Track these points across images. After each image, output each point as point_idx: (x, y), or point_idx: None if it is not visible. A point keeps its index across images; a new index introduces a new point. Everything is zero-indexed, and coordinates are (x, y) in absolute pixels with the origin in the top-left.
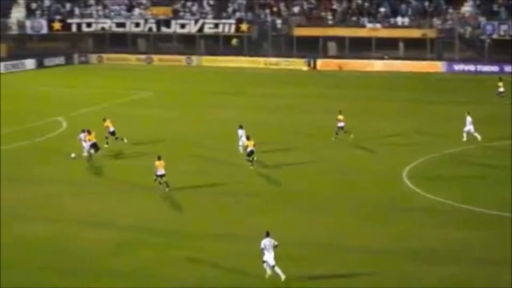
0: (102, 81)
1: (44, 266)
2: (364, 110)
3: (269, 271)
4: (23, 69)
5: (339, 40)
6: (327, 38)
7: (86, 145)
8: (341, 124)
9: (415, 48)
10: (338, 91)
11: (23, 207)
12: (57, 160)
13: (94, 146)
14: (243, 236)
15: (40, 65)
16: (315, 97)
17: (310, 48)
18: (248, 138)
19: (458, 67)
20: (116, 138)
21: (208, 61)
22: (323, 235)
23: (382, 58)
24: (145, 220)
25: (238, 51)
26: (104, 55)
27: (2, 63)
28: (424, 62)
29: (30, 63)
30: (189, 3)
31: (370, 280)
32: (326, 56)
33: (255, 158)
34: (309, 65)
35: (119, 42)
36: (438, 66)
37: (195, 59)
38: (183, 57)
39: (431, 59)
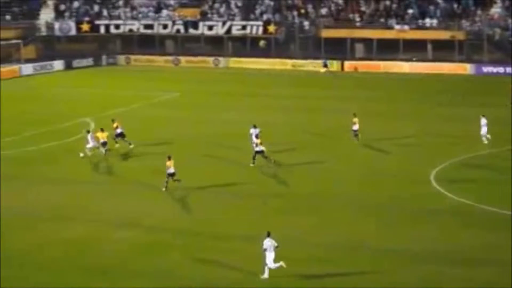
0: (130, 82)
1: (74, 266)
2: (387, 111)
3: (266, 274)
4: (52, 70)
5: (367, 42)
6: (355, 40)
7: (89, 146)
8: (355, 127)
9: (443, 50)
10: (364, 92)
11: (53, 207)
12: (84, 161)
13: (104, 144)
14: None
15: (68, 66)
16: (340, 99)
17: (338, 49)
18: (257, 137)
19: (486, 69)
20: (125, 141)
21: (236, 62)
22: (347, 236)
23: (410, 60)
24: (171, 221)
25: (265, 53)
26: (132, 57)
27: (31, 65)
28: (452, 64)
29: (58, 64)
30: (216, 5)
31: (395, 281)
32: (353, 57)
33: (271, 157)
34: (325, 66)
35: (147, 43)
36: (466, 68)
37: (222, 60)
38: (210, 59)
39: (459, 61)
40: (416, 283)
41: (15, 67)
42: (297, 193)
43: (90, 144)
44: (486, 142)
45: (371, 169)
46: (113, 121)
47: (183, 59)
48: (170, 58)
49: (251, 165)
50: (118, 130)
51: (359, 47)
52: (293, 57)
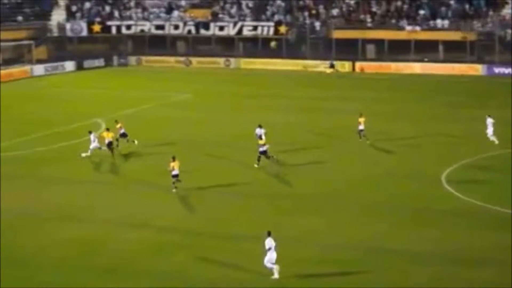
0: (141, 83)
1: (81, 266)
2: (397, 112)
3: (276, 274)
4: (63, 71)
5: (378, 43)
6: (366, 41)
7: (91, 146)
8: (361, 127)
9: (455, 51)
10: (374, 93)
11: (60, 208)
12: (95, 161)
13: (110, 144)
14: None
15: (79, 67)
16: (350, 100)
17: (349, 50)
18: (260, 137)
19: (498, 70)
20: (128, 141)
21: (247, 63)
22: (355, 236)
23: (421, 61)
24: (178, 221)
25: (276, 54)
26: (143, 57)
27: (43, 65)
28: (464, 65)
29: (70, 65)
30: (228, 6)
31: (404, 282)
32: (365, 58)
33: (274, 156)
34: (331, 67)
35: (158, 44)
36: (478, 69)
37: (233, 61)
38: (221, 59)
39: (471, 62)
40: (424, 283)
41: (26, 67)
42: (303, 193)
43: (93, 145)
44: (496, 142)
45: (380, 169)
46: (116, 122)
47: (194, 59)
48: (181, 58)
49: (255, 165)
50: (121, 131)
51: (370, 48)
52: (304, 58)
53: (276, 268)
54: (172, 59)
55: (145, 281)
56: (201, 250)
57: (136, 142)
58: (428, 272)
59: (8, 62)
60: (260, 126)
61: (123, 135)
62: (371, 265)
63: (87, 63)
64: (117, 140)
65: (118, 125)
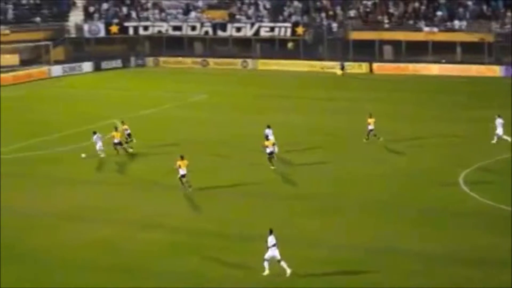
0: (158, 84)
1: (100, 266)
2: (413, 113)
3: (267, 271)
4: (81, 72)
5: (396, 44)
6: (383, 42)
7: (99, 145)
8: (370, 127)
9: (473, 52)
10: (390, 94)
11: (76, 208)
12: (111, 162)
13: (118, 144)
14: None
15: (97, 68)
16: (366, 101)
17: (366, 52)
18: (267, 138)
19: None
20: (131, 141)
21: (264, 64)
22: (368, 237)
23: (439, 62)
24: (191, 221)
25: (293, 55)
26: (161, 58)
27: (60, 66)
28: (482, 66)
29: (87, 66)
30: (245, 7)
31: (417, 283)
32: (382, 60)
33: (275, 158)
34: (342, 68)
35: (175, 45)
36: (496, 70)
37: (250, 62)
38: (238, 61)
39: (489, 63)
40: (437, 284)
41: (44, 68)
42: (315, 193)
43: (98, 145)
44: (494, 141)
45: (395, 170)
46: (122, 123)
47: (211, 60)
48: (198, 59)
49: (271, 167)
50: (127, 131)
51: (388, 49)
52: (321, 59)
53: (284, 265)
54: (189, 60)
55: (159, 281)
56: (213, 251)
57: (134, 140)
58: (441, 273)
59: (26, 63)
60: (268, 127)
61: (129, 136)
62: (380, 266)
63: (104, 64)
64: (126, 141)
65: (124, 126)
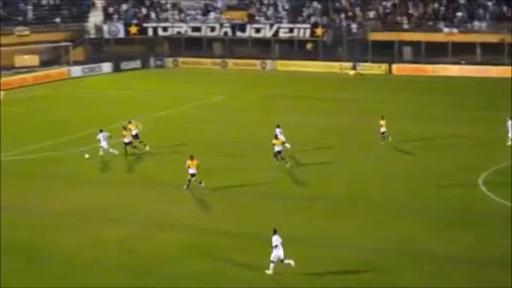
0: (177, 84)
1: (117, 266)
2: (432, 115)
3: (271, 270)
4: (100, 72)
5: (415, 45)
6: (403, 43)
7: (103, 144)
8: (382, 129)
9: (492, 53)
10: (407, 95)
11: (95, 208)
12: (129, 162)
13: (128, 144)
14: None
15: (116, 68)
16: (383, 102)
17: (385, 53)
18: (276, 137)
19: None
20: (140, 142)
21: (283, 65)
22: (388, 238)
23: (459, 63)
24: (211, 222)
25: (312, 56)
26: (180, 59)
27: (80, 67)
28: (501, 67)
29: (107, 66)
30: (264, 8)
31: (446, 284)
32: (401, 61)
33: (283, 158)
34: (354, 69)
35: (194, 46)
36: None
37: (269, 63)
38: (257, 61)
39: (509, 64)
40: (459, 284)
41: (64, 69)
42: (331, 193)
43: (103, 144)
44: (510, 143)
45: (413, 171)
46: (129, 122)
47: (230, 61)
48: (217, 60)
49: (287, 165)
50: (133, 132)
51: (407, 50)
52: (340, 60)
53: (291, 263)
54: (208, 60)
55: (178, 282)
56: (225, 251)
57: (147, 148)
58: (462, 273)
59: (46, 64)
60: (278, 126)
61: (135, 137)
62: (400, 266)
63: (124, 65)
64: (139, 141)
65: (130, 126)
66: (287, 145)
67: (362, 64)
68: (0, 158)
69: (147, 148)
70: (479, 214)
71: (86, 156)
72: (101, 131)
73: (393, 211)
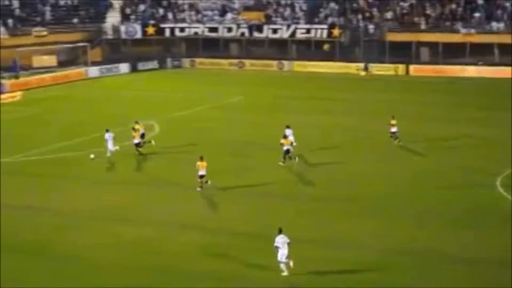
0: (195, 85)
1: (140, 267)
2: (449, 116)
3: (286, 271)
4: (117, 73)
5: (432, 46)
6: (420, 44)
7: (110, 145)
8: (394, 129)
9: (510, 54)
10: (422, 96)
11: (113, 208)
12: (146, 162)
13: (137, 144)
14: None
15: (134, 69)
16: (406, 103)
17: (403, 53)
18: (284, 137)
19: None
20: (145, 142)
21: (300, 66)
22: (407, 239)
23: (476, 64)
24: (227, 222)
25: (329, 56)
26: (197, 60)
27: (97, 67)
28: None
29: (124, 67)
30: (281, 8)
31: (468, 285)
32: (418, 61)
33: (290, 157)
34: (366, 69)
35: (211, 46)
36: None
37: (286, 64)
38: (274, 62)
39: None
40: (479, 284)
41: (81, 69)
42: (343, 194)
43: (109, 144)
44: None
45: (427, 173)
46: (137, 122)
47: (247, 62)
48: (234, 61)
49: (296, 161)
50: (141, 132)
51: (424, 51)
52: (357, 60)
53: (289, 263)
54: (225, 61)
55: (199, 282)
56: (253, 254)
57: (153, 142)
58: (482, 274)
59: (64, 64)
60: (288, 127)
61: (142, 136)
62: (416, 268)
63: (141, 65)
64: (149, 141)
65: (137, 126)
66: (295, 145)
67: (379, 65)
68: (15, 159)
69: (153, 142)
70: (496, 215)
71: (91, 156)
72: (107, 131)
73: (407, 211)
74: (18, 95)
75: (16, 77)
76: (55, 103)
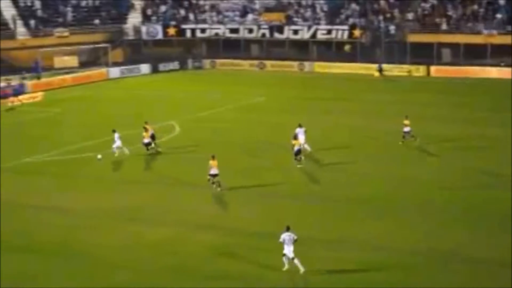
0: (215, 86)
1: (158, 267)
2: (462, 116)
3: (287, 265)
4: (138, 73)
5: (454, 47)
6: (441, 45)
7: (115, 145)
8: (407, 129)
9: None
10: (446, 97)
11: (132, 209)
12: (165, 163)
13: (147, 144)
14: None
15: (155, 70)
16: (419, 104)
17: (424, 54)
18: (295, 137)
19: None
20: (155, 143)
21: (321, 67)
22: (418, 239)
23: (498, 65)
24: (241, 222)
25: (350, 57)
26: (218, 61)
27: (118, 68)
28: None
29: (145, 68)
30: (302, 9)
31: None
32: (440, 62)
33: (302, 158)
34: (380, 70)
35: (232, 47)
36: None
37: (307, 65)
38: (295, 63)
39: None
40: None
41: (103, 70)
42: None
43: (116, 144)
44: None
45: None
46: (146, 122)
47: (268, 63)
48: (255, 62)
49: (302, 160)
50: (150, 132)
51: (446, 52)
52: (378, 61)
53: (295, 261)
54: (246, 62)
55: (211, 282)
56: (269, 254)
57: (160, 149)
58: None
59: (86, 65)
60: (300, 126)
61: (152, 137)
62: (429, 268)
63: (162, 66)
64: (154, 142)
65: (147, 126)
66: (307, 146)
67: (400, 65)
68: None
69: (160, 149)
70: (498, 216)
71: (99, 156)
72: (114, 131)
73: (407, 212)
74: (39, 95)
75: (38, 78)
76: (76, 104)
